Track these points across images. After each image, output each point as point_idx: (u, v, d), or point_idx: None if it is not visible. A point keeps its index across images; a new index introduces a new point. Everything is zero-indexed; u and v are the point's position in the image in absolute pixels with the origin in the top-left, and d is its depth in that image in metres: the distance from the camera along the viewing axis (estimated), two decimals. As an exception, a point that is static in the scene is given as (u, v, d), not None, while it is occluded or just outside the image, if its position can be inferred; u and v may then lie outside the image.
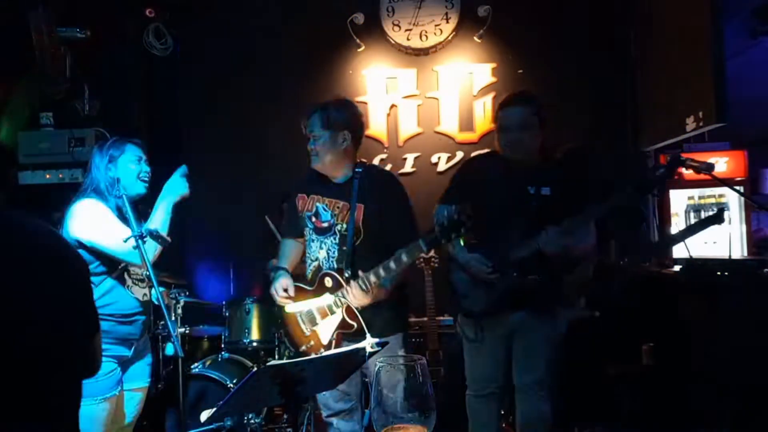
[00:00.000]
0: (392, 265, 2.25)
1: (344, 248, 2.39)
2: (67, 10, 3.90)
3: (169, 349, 2.57)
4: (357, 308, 2.33)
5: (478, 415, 2.72)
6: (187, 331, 3.42)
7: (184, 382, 2.55)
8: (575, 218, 2.38)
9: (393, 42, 4.43)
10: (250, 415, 3.14)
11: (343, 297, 2.33)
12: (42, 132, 4.09)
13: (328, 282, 2.39)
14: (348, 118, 2.47)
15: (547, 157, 2.62)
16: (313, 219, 2.50)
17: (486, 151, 3.43)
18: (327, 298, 2.38)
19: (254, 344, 3.46)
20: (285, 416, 3.54)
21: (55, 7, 3.72)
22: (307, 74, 4.49)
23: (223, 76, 4.59)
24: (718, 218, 2.84)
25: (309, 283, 2.49)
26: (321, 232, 2.47)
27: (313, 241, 2.50)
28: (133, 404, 2.43)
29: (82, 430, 2.16)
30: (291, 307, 2.47)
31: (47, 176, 4.03)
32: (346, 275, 2.34)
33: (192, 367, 3.31)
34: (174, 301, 3.34)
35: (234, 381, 3.16)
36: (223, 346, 3.48)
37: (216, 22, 4.61)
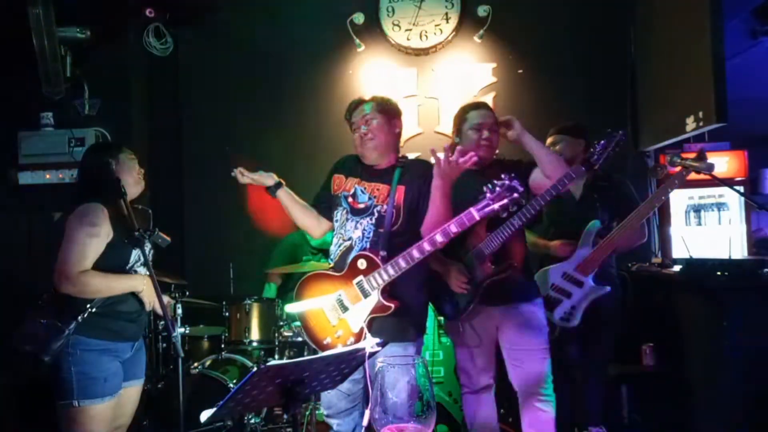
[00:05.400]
0: (415, 253, 2.24)
1: (381, 230, 2.37)
2: (67, 10, 3.91)
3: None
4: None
5: (475, 411, 2.76)
6: (187, 331, 3.41)
7: (184, 381, 2.55)
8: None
9: (393, 42, 4.43)
10: (250, 415, 3.14)
11: (378, 277, 2.28)
12: (42, 132, 4.09)
13: (362, 264, 2.31)
14: (398, 109, 2.61)
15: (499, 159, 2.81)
16: (350, 199, 2.48)
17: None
18: (358, 283, 2.32)
19: (254, 344, 3.45)
20: (285, 416, 3.54)
21: (56, 7, 3.72)
22: (307, 74, 4.50)
23: (223, 76, 4.59)
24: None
25: (337, 268, 2.41)
26: (357, 212, 2.45)
27: (348, 220, 2.46)
28: (131, 401, 2.46)
29: (91, 430, 2.19)
30: (311, 303, 2.39)
31: (47, 176, 4.03)
32: (382, 254, 2.31)
33: (192, 367, 3.31)
34: (174, 302, 3.33)
35: (234, 381, 3.16)
36: (223, 346, 3.49)
37: (216, 22, 4.61)
